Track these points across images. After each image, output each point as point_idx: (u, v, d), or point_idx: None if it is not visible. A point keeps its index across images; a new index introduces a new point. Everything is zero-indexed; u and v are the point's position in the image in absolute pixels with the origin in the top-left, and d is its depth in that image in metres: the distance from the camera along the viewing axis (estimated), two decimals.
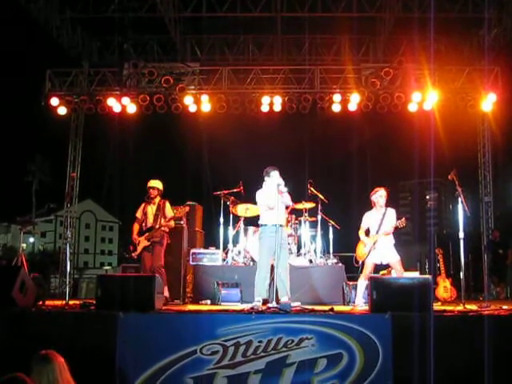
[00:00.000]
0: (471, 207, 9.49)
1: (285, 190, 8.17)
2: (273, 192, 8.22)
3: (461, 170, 9.07)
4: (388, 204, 8.98)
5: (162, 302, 7.91)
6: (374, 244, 8.63)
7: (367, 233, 8.96)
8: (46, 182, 49.27)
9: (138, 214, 9.80)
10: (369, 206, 9.11)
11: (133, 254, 9.61)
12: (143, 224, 9.68)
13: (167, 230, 9.68)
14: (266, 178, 8.51)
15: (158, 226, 9.52)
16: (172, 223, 9.73)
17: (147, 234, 9.51)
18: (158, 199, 9.76)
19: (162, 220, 9.57)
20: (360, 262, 8.91)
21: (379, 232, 8.66)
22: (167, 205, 9.73)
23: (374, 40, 15.51)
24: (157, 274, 8.81)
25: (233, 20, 14.45)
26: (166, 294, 9.41)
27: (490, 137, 14.93)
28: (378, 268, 9.35)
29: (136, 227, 9.71)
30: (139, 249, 9.51)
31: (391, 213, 8.85)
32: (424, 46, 13.69)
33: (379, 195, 8.88)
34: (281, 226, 8.13)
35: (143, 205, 9.83)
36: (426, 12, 13.11)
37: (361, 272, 8.94)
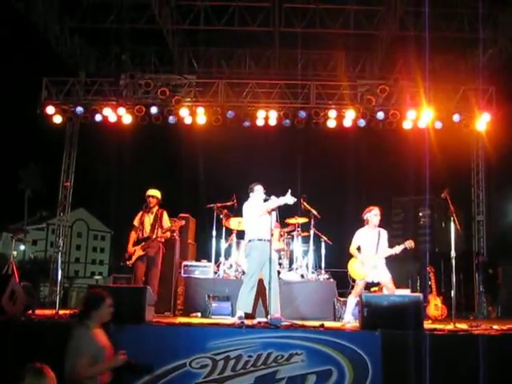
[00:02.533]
0: (464, 226, 9.53)
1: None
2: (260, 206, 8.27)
3: (454, 189, 9.11)
4: (380, 223, 8.95)
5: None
6: (375, 265, 8.61)
7: (358, 249, 8.91)
8: (39, 190, 49.06)
9: (136, 222, 9.77)
10: (361, 221, 9.11)
11: (127, 263, 9.55)
12: (139, 233, 9.64)
13: (163, 240, 9.66)
14: (250, 194, 8.56)
15: (154, 237, 9.48)
16: (168, 234, 9.72)
17: (143, 243, 9.47)
18: (155, 209, 9.73)
19: (159, 230, 9.53)
20: (357, 281, 8.90)
21: (379, 252, 8.63)
22: (165, 215, 9.70)
23: (370, 57, 15.64)
24: (150, 285, 8.80)
25: (230, 33, 14.51)
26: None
27: (484, 156, 15.00)
28: (368, 285, 9.34)
29: (133, 235, 9.69)
30: (134, 257, 9.46)
31: (385, 234, 8.86)
32: (420, 64, 13.77)
33: (374, 214, 8.84)
34: (269, 240, 8.14)
35: (140, 213, 9.80)
36: (422, 31, 13.19)
37: (352, 288, 8.94)
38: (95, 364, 5.01)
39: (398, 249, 8.58)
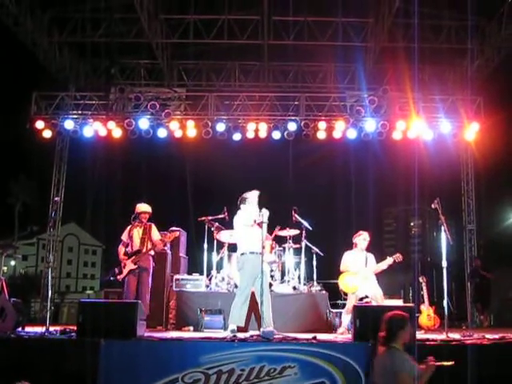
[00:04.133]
0: (455, 235, 9.56)
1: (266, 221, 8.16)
2: (253, 217, 8.25)
3: (444, 198, 9.13)
4: (368, 246, 9.25)
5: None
6: (366, 278, 8.77)
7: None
8: (30, 205, 48.85)
9: (124, 237, 9.69)
10: (354, 230, 9.20)
11: (118, 277, 9.46)
12: (129, 247, 9.58)
13: (153, 253, 9.62)
14: (241, 206, 8.52)
15: (145, 250, 9.43)
16: (160, 246, 9.66)
17: (134, 257, 9.40)
18: (144, 223, 9.69)
19: (149, 243, 9.48)
20: (349, 294, 9.01)
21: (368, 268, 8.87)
22: (153, 228, 9.65)
23: (359, 68, 15.70)
24: (141, 299, 8.76)
25: (220, 46, 14.58)
26: None
27: (473, 165, 15.10)
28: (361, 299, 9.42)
29: (121, 250, 9.62)
30: (125, 272, 9.37)
31: (372, 257, 9.14)
32: (409, 75, 13.86)
33: (362, 238, 9.14)
34: (261, 254, 8.13)
35: (129, 227, 9.73)
36: (410, 42, 13.31)
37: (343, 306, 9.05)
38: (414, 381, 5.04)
39: (385, 263, 8.80)
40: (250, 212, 8.34)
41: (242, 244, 8.38)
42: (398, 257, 8.58)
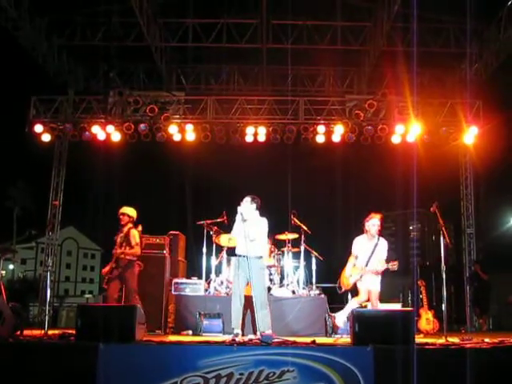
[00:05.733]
0: (454, 239, 9.54)
1: (246, 218, 8.14)
2: (238, 221, 8.26)
3: (443, 202, 9.12)
4: (380, 233, 8.67)
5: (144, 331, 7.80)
6: (361, 277, 8.47)
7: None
8: (28, 209, 48.80)
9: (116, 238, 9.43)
10: (355, 233, 9.05)
11: (104, 285, 9.28)
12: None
13: (134, 258, 9.28)
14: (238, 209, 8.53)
15: (121, 256, 9.14)
16: (137, 250, 9.24)
17: (116, 263, 9.15)
18: (127, 227, 9.34)
19: (127, 248, 9.16)
20: (343, 290, 8.80)
21: (368, 266, 8.46)
22: (131, 232, 9.27)
23: (358, 72, 15.77)
24: (132, 300, 8.78)
25: (218, 50, 14.61)
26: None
27: (472, 169, 15.10)
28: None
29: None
30: (106, 278, 9.17)
31: (383, 245, 8.59)
32: (407, 78, 13.87)
33: (372, 224, 8.56)
34: (257, 257, 8.12)
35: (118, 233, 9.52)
36: (409, 46, 13.35)
37: (355, 295, 8.78)
38: None
39: (381, 267, 8.41)
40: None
41: (236, 246, 8.44)
42: (394, 265, 8.39)
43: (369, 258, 8.54)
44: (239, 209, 8.21)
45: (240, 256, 8.21)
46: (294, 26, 14.16)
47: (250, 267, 7.93)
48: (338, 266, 9.04)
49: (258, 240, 8.24)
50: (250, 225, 8.12)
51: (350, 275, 8.62)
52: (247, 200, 8.37)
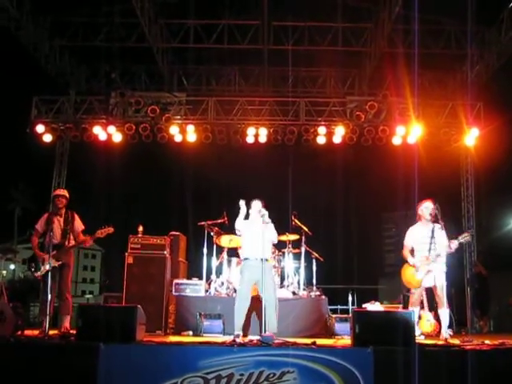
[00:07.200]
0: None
1: (268, 220, 8.14)
2: (256, 222, 8.24)
3: (444, 204, 9.09)
4: (435, 219, 8.34)
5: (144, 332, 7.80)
6: (429, 266, 8.17)
7: (412, 252, 8.53)
8: (29, 209, 48.78)
9: (39, 226, 8.69)
10: (354, 235, 9.04)
11: (36, 275, 8.52)
12: (47, 239, 8.43)
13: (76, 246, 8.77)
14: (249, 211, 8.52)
15: (70, 245, 8.61)
16: (88, 242, 8.74)
17: (55, 252, 8.45)
18: (63, 211, 8.71)
19: (71, 235, 8.60)
20: (412, 291, 8.61)
21: (431, 253, 8.14)
22: (76, 217, 8.74)
23: (359, 73, 15.77)
24: (63, 300, 8.64)
25: (220, 51, 14.62)
26: (67, 324, 8.66)
27: (473, 171, 15.13)
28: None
29: (35, 241, 8.63)
30: (44, 269, 8.40)
31: (441, 231, 8.28)
32: (408, 80, 13.87)
33: (424, 207, 8.42)
34: (267, 260, 8.12)
35: (46, 215, 8.77)
36: (410, 47, 13.35)
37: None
38: None
39: (453, 245, 8.05)
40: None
41: (245, 248, 8.48)
42: (466, 236, 7.94)
43: (430, 245, 8.27)
44: (262, 210, 8.20)
45: (250, 259, 8.22)
46: (295, 27, 14.18)
47: (264, 269, 7.94)
48: (338, 267, 9.04)
49: (269, 242, 8.32)
50: (270, 228, 8.19)
51: (416, 269, 8.34)
52: (258, 204, 8.39)
